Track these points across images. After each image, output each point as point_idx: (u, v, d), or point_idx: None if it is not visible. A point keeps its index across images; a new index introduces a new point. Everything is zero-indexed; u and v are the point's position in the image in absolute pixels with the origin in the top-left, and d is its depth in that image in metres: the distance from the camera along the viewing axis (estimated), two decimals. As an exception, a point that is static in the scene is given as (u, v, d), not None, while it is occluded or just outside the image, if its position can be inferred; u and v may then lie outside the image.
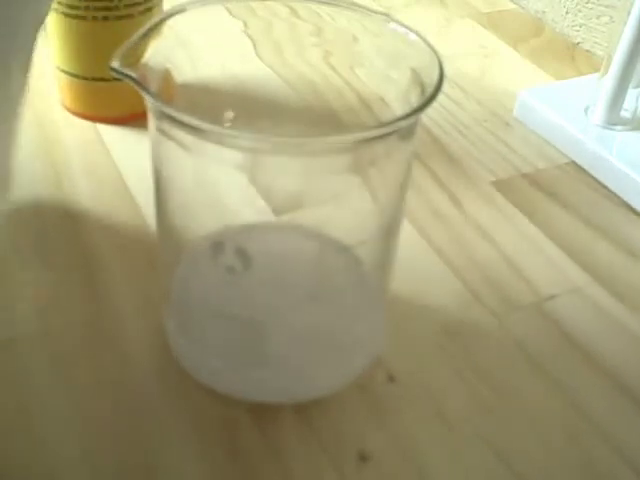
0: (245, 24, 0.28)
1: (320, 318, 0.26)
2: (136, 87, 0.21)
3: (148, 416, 0.25)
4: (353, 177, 0.23)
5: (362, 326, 0.27)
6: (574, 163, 0.39)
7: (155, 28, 0.23)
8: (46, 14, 0.25)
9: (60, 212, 0.33)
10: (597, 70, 0.41)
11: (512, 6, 0.56)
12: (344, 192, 0.24)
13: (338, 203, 0.24)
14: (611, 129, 0.39)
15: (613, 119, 0.40)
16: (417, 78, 0.23)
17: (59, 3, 0.36)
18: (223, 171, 0.23)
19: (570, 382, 0.28)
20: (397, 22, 0.24)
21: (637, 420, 0.27)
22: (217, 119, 0.19)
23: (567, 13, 0.53)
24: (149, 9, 0.37)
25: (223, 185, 0.24)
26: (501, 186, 0.37)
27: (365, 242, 0.25)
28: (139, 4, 0.36)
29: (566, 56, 0.50)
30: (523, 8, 0.56)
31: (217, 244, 0.25)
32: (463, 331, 0.29)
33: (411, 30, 0.23)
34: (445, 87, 0.21)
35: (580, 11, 0.52)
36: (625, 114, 0.40)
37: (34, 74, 0.26)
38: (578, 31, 0.52)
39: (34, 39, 0.24)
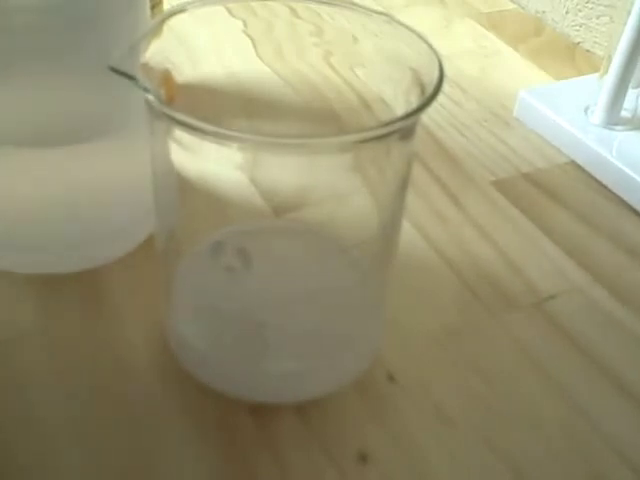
0: (245, 24, 0.28)
1: (320, 318, 0.26)
2: (136, 87, 0.21)
3: (148, 416, 0.25)
4: (353, 177, 0.23)
5: (362, 326, 0.27)
6: (574, 163, 0.39)
7: (155, 28, 0.23)
8: None
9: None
10: (597, 70, 0.41)
11: (512, 6, 0.56)
12: (344, 192, 0.24)
13: (338, 203, 0.24)
14: (611, 129, 0.39)
15: (613, 119, 0.40)
16: (417, 78, 0.23)
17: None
18: (223, 171, 0.23)
19: (569, 381, 0.28)
20: (397, 22, 0.24)
21: (636, 419, 0.27)
22: (217, 119, 0.19)
23: (567, 13, 0.53)
24: (149, 9, 0.37)
25: (223, 185, 0.24)
26: (501, 186, 0.37)
27: (365, 242, 0.25)
28: (139, 4, 0.36)
29: (566, 56, 0.50)
30: (523, 8, 0.56)
31: (217, 244, 0.25)
32: (463, 331, 0.29)
33: (411, 30, 0.23)
34: (445, 87, 0.21)
35: (580, 11, 0.52)
36: (625, 114, 0.40)
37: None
38: (578, 31, 0.52)
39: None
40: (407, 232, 0.33)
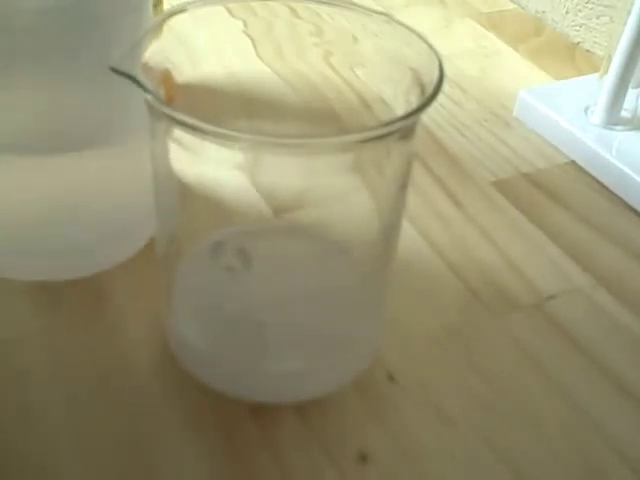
0: (245, 24, 0.28)
1: (320, 318, 0.26)
2: (136, 87, 0.21)
3: (148, 416, 0.25)
4: (353, 177, 0.23)
5: (362, 326, 0.27)
6: (574, 163, 0.39)
7: (155, 28, 0.23)
8: None
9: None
10: (597, 70, 0.41)
11: (512, 6, 0.56)
12: (344, 192, 0.24)
13: (338, 203, 0.24)
14: (611, 129, 0.39)
15: (613, 119, 0.40)
16: (417, 78, 0.23)
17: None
18: (223, 171, 0.23)
19: (569, 381, 0.28)
20: (397, 22, 0.24)
21: (636, 419, 0.27)
22: (217, 119, 0.19)
23: (567, 13, 0.53)
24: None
25: (223, 185, 0.24)
26: (501, 186, 0.37)
27: (365, 242, 0.25)
28: (139, 4, 0.36)
29: (566, 56, 0.50)
30: (523, 8, 0.56)
31: (217, 244, 0.25)
32: (463, 331, 0.29)
33: (411, 30, 0.23)
34: (445, 87, 0.21)
35: (580, 11, 0.52)
36: (625, 114, 0.40)
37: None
38: (578, 31, 0.52)
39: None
40: (407, 232, 0.33)
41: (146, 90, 0.20)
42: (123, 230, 0.31)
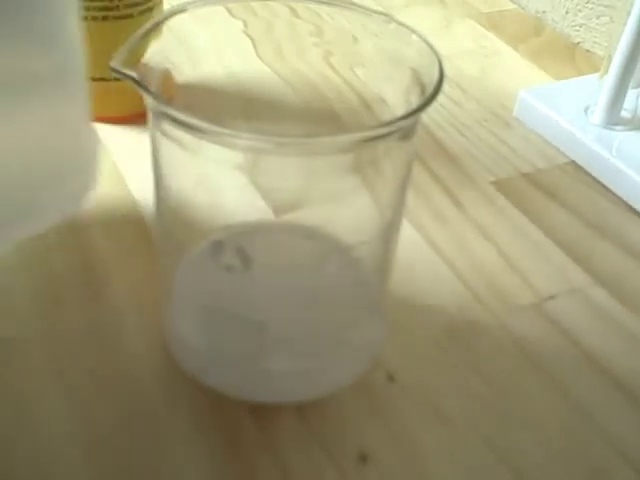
0: (245, 24, 0.28)
1: (320, 318, 0.26)
2: (136, 87, 0.21)
3: (148, 416, 0.25)
4: (353, 177, 0.23)
5: (362, 326, 0.27)
6: (574, 163, 0.39)
7: (155, 28, 0.23)
8: None
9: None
10: (597, 70, 0.41)
11: (512, 6, 0.56)
12: (344, 192, 0.24)
13: (338, 203, 0.24)
14: (611, 129, 0.39)
15: (613, 119, 0.40)
16: (417, 78, 0.23)
17: (59, 3, 0.35)
18: (223, 171, 0.23)
19: (569, 382, 0.28)
20: (397, 22, 0.24)
21: (636, 419, 0.27)
22: (217, 119, 0.19)
23: (567, 13, 0.53)
24: (149, 9, 0.37)
25: (223, 185, 0.24)
26: (501, 186, 0.37)
27: (365, 242, 0.25)
28: (139, 4, 0.36)
29: (566, 56, 0.50)
30: (523, 8, 0.56)
31: (217, 244, 0.25)
32: (463, 331, 0.29)
33: (411, 30, 0.23)
34: (445, 87, 0.21)
35: (580, 11, 0.52)
36: (625, 114, 0.40)
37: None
38: (578, 31, 0.52)
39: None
40: (407, 232, 0.33)
41: (146, 91, 0.20)
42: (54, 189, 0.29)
